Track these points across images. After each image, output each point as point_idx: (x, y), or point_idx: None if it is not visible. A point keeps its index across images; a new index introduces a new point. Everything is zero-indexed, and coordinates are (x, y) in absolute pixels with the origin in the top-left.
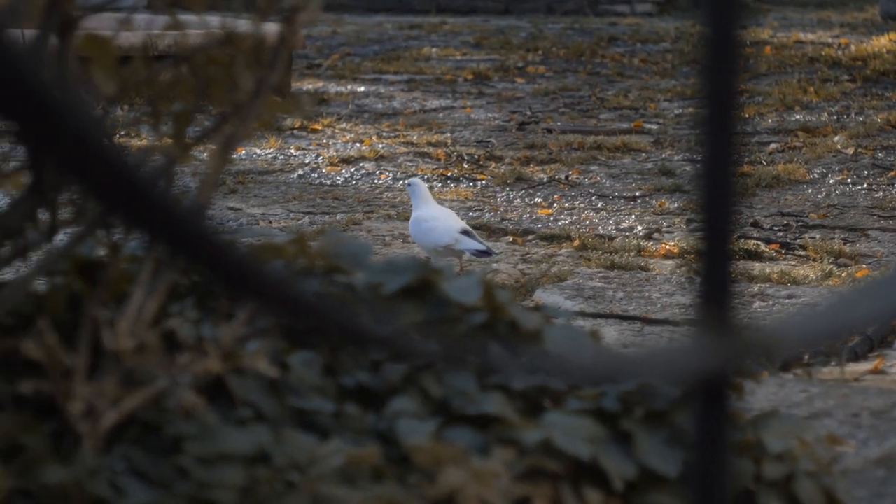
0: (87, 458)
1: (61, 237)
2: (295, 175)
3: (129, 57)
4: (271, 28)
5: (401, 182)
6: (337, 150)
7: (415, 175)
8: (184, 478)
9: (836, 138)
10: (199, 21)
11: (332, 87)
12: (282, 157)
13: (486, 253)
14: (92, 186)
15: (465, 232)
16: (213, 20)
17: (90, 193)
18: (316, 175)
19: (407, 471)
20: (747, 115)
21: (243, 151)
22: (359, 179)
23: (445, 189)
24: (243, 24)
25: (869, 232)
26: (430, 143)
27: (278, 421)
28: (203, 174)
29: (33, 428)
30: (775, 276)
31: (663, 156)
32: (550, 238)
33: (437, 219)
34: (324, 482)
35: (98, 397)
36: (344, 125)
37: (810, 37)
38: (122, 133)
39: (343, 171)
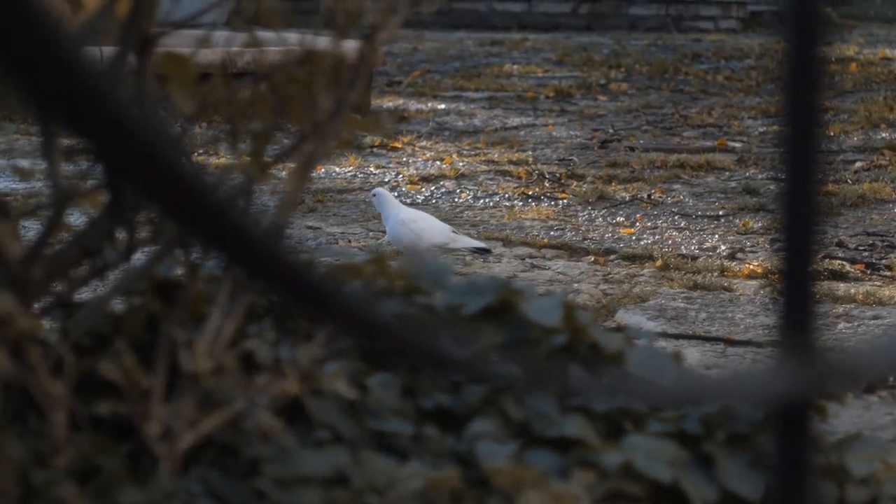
0: (164, 480)
1: (139, 257)
2: None
3: (208, 75)
4: (351, 46)
5: (482, 201)
6: (417, 169)
7: (496, 194)
8: (261, 500)
9: None
10: (277, 38)
11: (412, 105)
12: (361, 175)
13: (485, 250)
14: (169, 207)
15: (453, 231)
16: (292, 38)
17: (167, 214)
18: (396, 194)
19: (486, 494)
20: (832, 133)
21: (322, 170)
22: (439, 198)
23: (526, 208)
24: (323, 42)
25: None
26: (511, 162)
27: (357, 443)
28: (282, 193)
29: (110, 449)
30: (860, 296)
31: (747, 174)
32: (632, 258)
33: (424, 219)
34: None
35: (175, 419)
36: (424, 143)
37: None
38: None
39: (423, 189)
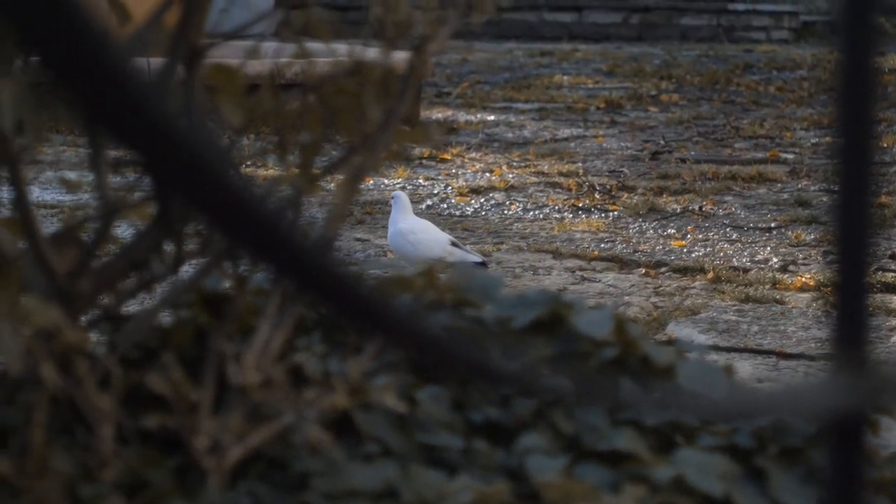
0: (212, 494)
1: (187, 269)
2: (423, 206)
3: (257, 86)
4: (400, 57)
5: (531, 213)
6: (466, 181)
7: (546, 206)
8: None
9: None
10: (327, 50)
11: (462, 116)
12: (410, 187)
13: (483, 265)
14: (218, 219)
15: (453, 244)
16: (341, 49)
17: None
18: (445, 206)
19: None
20: (885, 145)
21: (371, 182)
22: (488, 210)
23: (576, 220)
24: (372, 53)
25: None
26: (561, 173)
27: (406, 457)
28: (331, 205)
29: (158, 463)
30: None
31: (799, 186)
32: (684, 270)
33: (424, 231)
34: None
35: (224, 432)
36: (473, 154)
37: None
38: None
39: (472, 201)
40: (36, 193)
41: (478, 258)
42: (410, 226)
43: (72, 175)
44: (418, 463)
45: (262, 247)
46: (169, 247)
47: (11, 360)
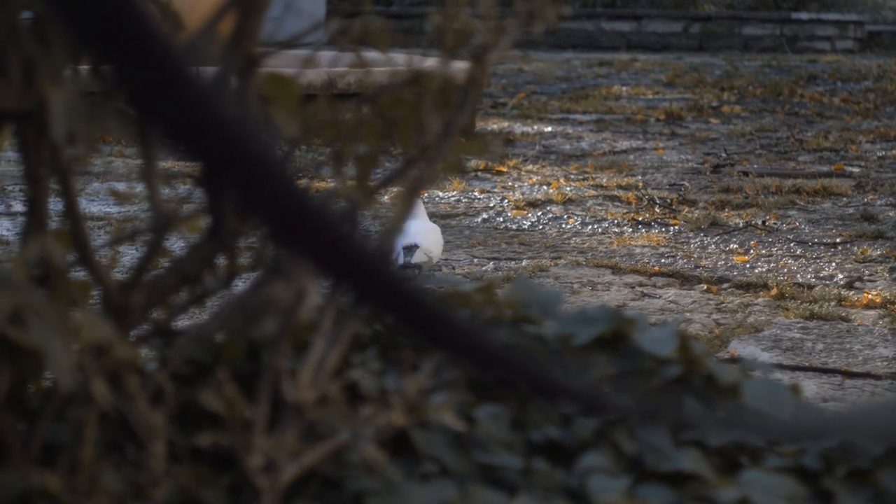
0: None
1: (239, 284)
2: (479, 219)
3: (312, 96)
4: (459, 66)
5: (590, 227)
6: (523, 193)
7: (604, 220)
8: None
9: None
10: (384, 59)
11: (518, 127)
12: (465, 200)
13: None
14: (279, 228)
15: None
16: (399, 58)
17: (278, 235)
18: (501, 219)
19: None
20: None
21: (425, 194)
22: (545, 224)
23: (636, 234)
24: (430, 63)
25: None
26: (620, 186)
27: (464, 476)
28: (387, 219)
29: (211, 481)
30: None
31: (865, 200)
32: (746, 286)
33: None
34: None
35: (278, 451)
36: (530, 167)
37: None
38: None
39: (529, 214)
40: (83, 205)
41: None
42: (407, 241)
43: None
44: (477, 483)
45: (324, 256)
46: (222, 261)
47: (62, 375)
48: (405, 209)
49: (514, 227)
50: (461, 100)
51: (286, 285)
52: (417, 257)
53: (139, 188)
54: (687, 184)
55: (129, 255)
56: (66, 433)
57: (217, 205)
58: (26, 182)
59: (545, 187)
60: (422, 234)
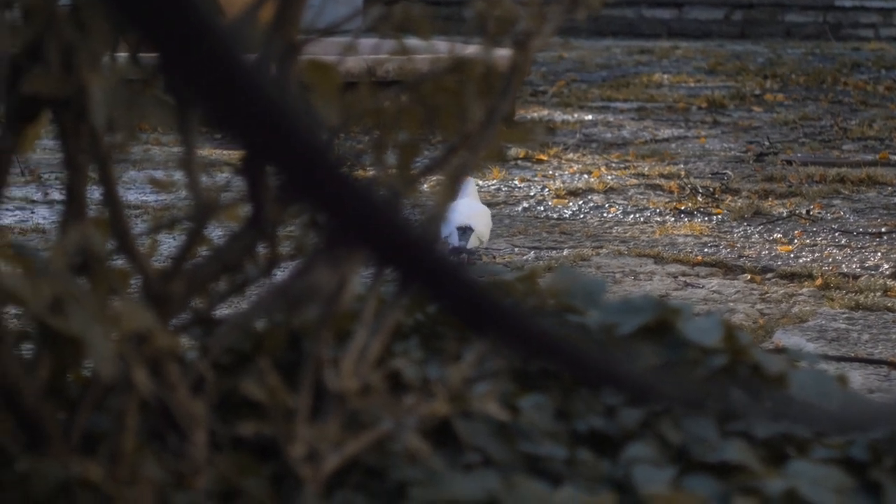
0: (308, 503)
1: (280, 272)
2: (519, 208)
3: (353, 83)
4: (502, 54)
5: (632, 216)
6: (563, 182)
7: (646, 209)
8: None
9: None
10: (425, 46)
11: (558, 116)
12: (505, 188)
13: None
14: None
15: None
16: (441, 45)
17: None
18: (542, 208)
19: None
20: None
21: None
22: (587, 213)
23: (678, 223)
24: (472, 50)
25: None
26: (662, 175)
27: (508, 466)
28: (429, 208)
29: (252, 470)
30: None
31: None
32: (791, 276)
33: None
34: None
35: (320, 440)
36: (571, 155)
37: None
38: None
39: (570, 203)
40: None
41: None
42: (456, 221)
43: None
44: (521, 473)
45: (373, 239)
46: (262, 249)
47: (102, 364)
48: (447, 198)
49: (554, 215)
50: (504, 87)
51: (328, 273)
52: (472, 242)
53: (177, 176)
54: (730, 172)
55: (167, 243)
56: (105, 422)
57: (257, 193)
58: (65, 169)
59: (586, 176)
60: (475, 217)
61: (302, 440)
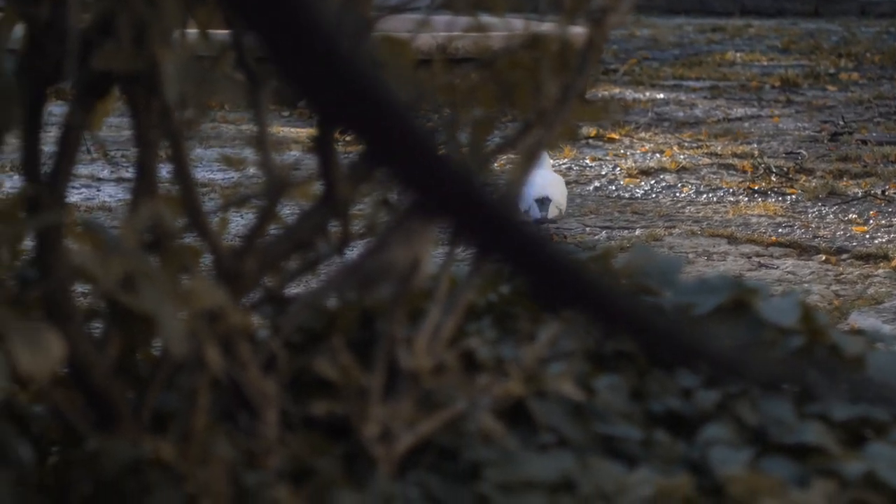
0: (381, 484)
1: (352, 250)
2: (590, 187)
3: (426, 60)
4: (577, 31)
5: (704, 196)
6: (635, 161)
7: (719, 188)
8: None
9: None
10: (500, 22)
11: (629, 94)
12: (576, 168)
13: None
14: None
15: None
16: (516, 22)
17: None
18: (613, 187)
19: (720, 502)
20: None
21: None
22: (659, 192)
23: (752, 203)
24: (548, 27)
25: None
26: (735, 154)
27: (583, 447)
28: (503, 185)
29: (325, 450)
30: None
31: None
32: (866, 257)
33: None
34: None
35: (394, 419)
36: (642, 134)
37: None
38: None
39: (642, 183)
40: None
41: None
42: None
43: (229, 152)
44: (596, 454)
45: (457, 208)
46: (334, 227)
47: (174, 342)
48: (522, 174)
49: (626, 195)
50: (580, 64)
51: (401, 252)
52: (552, 212)
53: (247, 154)
54: (804, 152)
55: (236, 221)
56: (175, 401)
57: (329, 170)
58: (135, 145)
59: (658, 155)
60: (551, 187)
61: (375, 419)
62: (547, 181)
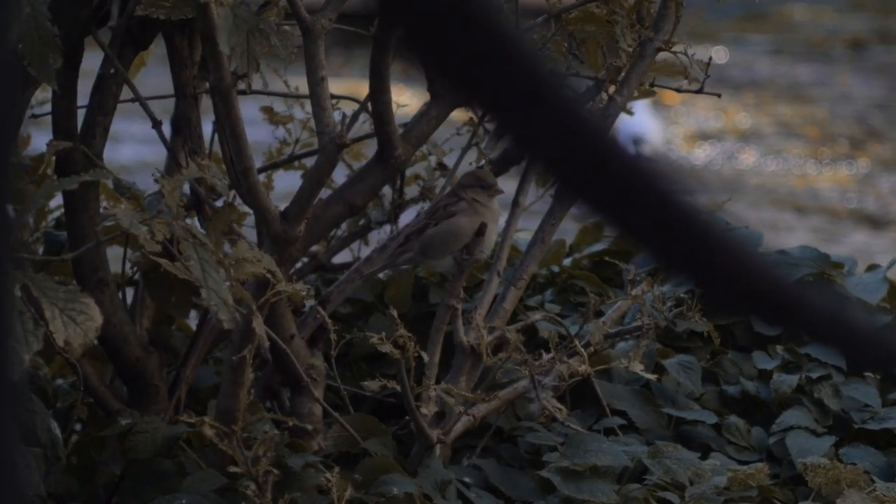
0: (436, 468)
1: (406, 217)
2: (647, 152)
3: None
4: None
5: (769, 163)
6: (694, 124)
7: (785, 156)
8: (546, 493)
9: None
10: None
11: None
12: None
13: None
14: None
15: None
16: None
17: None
18: (670, 153)
19: (798, 492)
20: None
21: None
22: (720, 159)
23: (820, 172)
24: None
25: None
26: (800, 119)
27: (652, 431)
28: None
29: (376, 430)
30: None
31: None
32: None
33: None
34: (705, 503)
35: (450, 400)
36: (701, 95)
37: None
38: None
39: (702, 148)
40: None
41: None
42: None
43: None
44: (666, 439)
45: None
46: (387, 192)
47: (222, 311)
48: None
49: (685, 161)
50: (658, 18)
51: (465, 219)
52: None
53: (292, 111)
54: (875, 118)
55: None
56: (211, 376)
57: (385, 129)
58: (179, 100)
59: (718, 118)
60: (647, 127)
61: (432, 399)
62: (644, 122)
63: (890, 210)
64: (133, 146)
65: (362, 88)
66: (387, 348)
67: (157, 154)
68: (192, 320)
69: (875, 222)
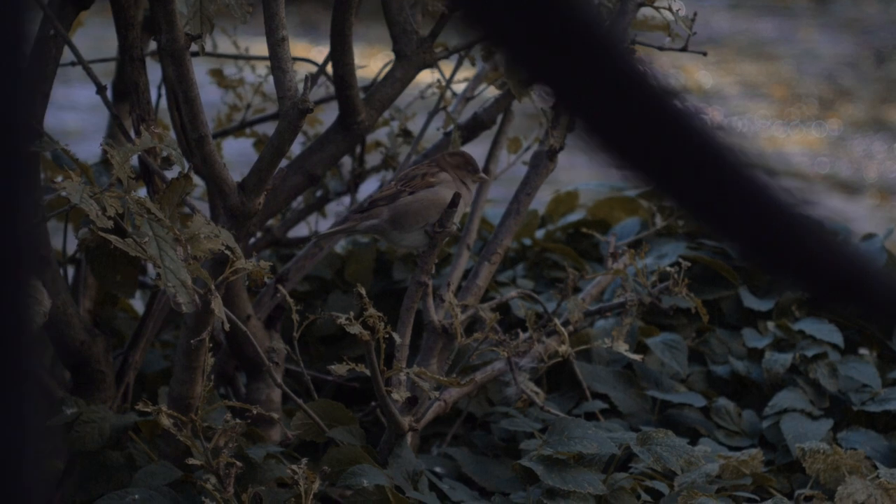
0: (407, 458)
1: (366, 188)
2: None
3: None
4: None
5: (733, 125)
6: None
7: (750, 117)
8: (527, 484)
9: None
10: None
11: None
12: None
13: None
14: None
15: None
16: None
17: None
18: None
19: (794, 479)
20: None
21: None
22: None
23: (788, 135)
24: None
25: None
26: (765, 78)
27: (636, 416)
28: None
29: (344, 418)
30: None
31: None
32: None
33: None
34: (697, 493)
35: (424, 384)
36: (656, 52)
37: None
38: None
39: None
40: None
41: None
42: None
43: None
44: (651, 423)
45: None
46: (348, 161)
47: (179, 293)
48: None
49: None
50: None
51: (446, 192)
52: None
53: (242, 74)
54: (845, 76)
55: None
56: (161, 361)
57: (345, 93)
58: (125, 63)
59: (678, 77)
60: None
61: (403, 384)
62: None
63: (865, 175)
64: (68, 113)
65: (314, 53)
66: (356, 329)
67: (81, 121)
68: (136, 301)
69: (850, 188)
